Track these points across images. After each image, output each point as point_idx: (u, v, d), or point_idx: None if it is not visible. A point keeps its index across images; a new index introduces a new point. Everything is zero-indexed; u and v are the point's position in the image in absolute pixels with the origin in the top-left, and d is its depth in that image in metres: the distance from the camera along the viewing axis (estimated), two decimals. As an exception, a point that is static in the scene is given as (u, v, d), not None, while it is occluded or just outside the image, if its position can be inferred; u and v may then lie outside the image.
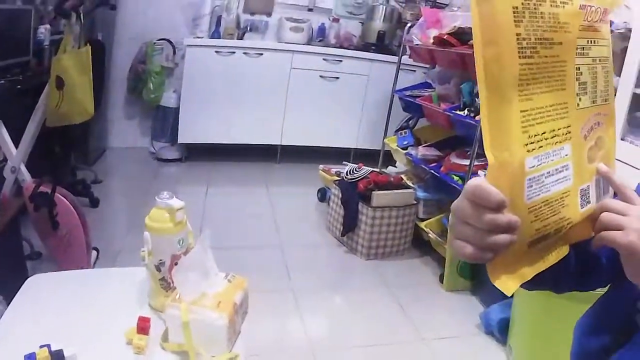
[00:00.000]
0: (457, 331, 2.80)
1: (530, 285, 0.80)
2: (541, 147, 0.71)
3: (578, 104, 0.76)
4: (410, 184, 3.64)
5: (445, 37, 3.47)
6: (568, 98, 0.74)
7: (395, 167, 4.20)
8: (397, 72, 4.14)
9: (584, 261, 0.92)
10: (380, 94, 4.92)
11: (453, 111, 3.38)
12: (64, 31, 2.88)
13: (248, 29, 5.14)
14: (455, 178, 3.24)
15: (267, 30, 5.23)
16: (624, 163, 2.82)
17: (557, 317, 2.32)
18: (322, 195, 4.26)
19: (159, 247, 1.26)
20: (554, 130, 0.72)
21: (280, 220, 3.94)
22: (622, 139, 2.90)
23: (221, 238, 3.48)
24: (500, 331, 2.67)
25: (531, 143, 0.70)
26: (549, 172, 0.73)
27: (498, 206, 0.67)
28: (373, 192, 3.34)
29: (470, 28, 3.45)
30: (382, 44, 5.19)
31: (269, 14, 5.25)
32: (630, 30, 2.92)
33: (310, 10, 5.36)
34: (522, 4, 0.67)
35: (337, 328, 2.81)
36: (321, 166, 4.24)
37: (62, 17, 3.02)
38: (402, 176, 3.76)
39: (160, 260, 1.27)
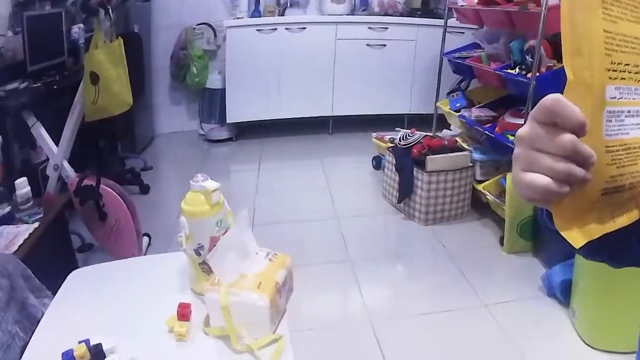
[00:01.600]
0: (519, 294, 2.72)
1: (588, 251, 0.70)
2: (624, 78, 0.62)
3: None
4: (466, 146, 3.55)
5: (489, -4, 3.37)
6: None
7: (450, 130, 4.11)
8: (444, 35, 4.06)
9: None
10: (429, 58, 4.81)
11: (504, 70, 3.29)
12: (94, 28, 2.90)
13: (289, 4, 5.10)
14: (511, 138, 3.15)
15: (308, 4, 5.18)
16: None
17: (621, 277, 2.25)
18: (377, 163, 4.20)
19: (196, 231, 1.23)
20: (638, 66, 0.63)
21: (336, 191, 3.91)
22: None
23: (275, 213, 3.53)
24: (563, 293, 2.58)
25: (614, 71, 0.61)
26: (630, 112, 0.63)
27: (580, 127, 0.56)
28: (427, 156, 3.27)
29: None
30: (427, 9, 5.11)
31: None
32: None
33: (351, -20, 5.27)
34: None
35: (396, 297, 2.77)
36: (374, 134, 4.18)
37: (89, 15, 3.06)
38: (457, 139, 3.68)
39: (199, 244, 1.24)
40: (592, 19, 0.60)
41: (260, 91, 4.82)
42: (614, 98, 0.61)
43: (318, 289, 2.72)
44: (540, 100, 0.58)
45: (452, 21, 4.16)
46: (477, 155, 3.45)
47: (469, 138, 3.72)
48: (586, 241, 0.66)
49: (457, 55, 3.93)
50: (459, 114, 3.68)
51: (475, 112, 3.48)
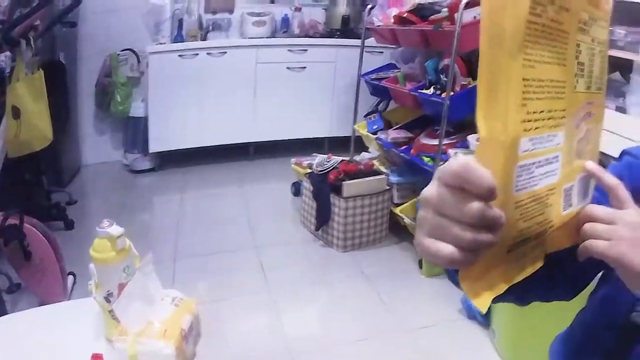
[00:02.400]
0: (440, 318, 2.73)
1: (496, 298, 0.66)
2: (537, 128, 0.60)
3: (575, 87, 0.67)
4: (383, 169, 3.55)
5: (405, 15, 3.37)
6: (567, 77, 0.64)
7: (369, 152, 4.09)
8: (362, 55, 4.05)
9: (555, 270, 0.80)
10: (348, 79, 4.80)
11: (418, 90, 3.29)
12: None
13: (211, 28, 5.03)
14: (426, 159, 3.14)
15: (230, 28, 5.12)
16: (610, 132, 2.76)
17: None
18: (296, 190, 4.15)
19: (105, 278, 1.21)
20: (551, 111, 0.62)
21: (255, 219, 3.86)
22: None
23: (197, 244, 3.47)
24: (483, 315, 2.60)
25: (528, 121, 0.58)
26: (540, 162, 0.62)
27: (489, 193, 0.53)
28: (343, 182, 3.24)
29: (431, 3, 3.33)
30: (347, 29, 5.10)
31: (231, 11, 5.13)
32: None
33: (272, 2, 5.27)
34: None
35: (317, 326, 2.74)
36: (293, 159, 4.14)
37: (10, 46, 2.95)
38: (374, 162, 3.67)
39: (108, 291, 1.22)
40: (513, 65, 0.57)
41: (182, 119, 4.75)
42: (526, 151, 0.59)
43: (239, 322, 2.69)
44: (448, 162, 0.55)
45: (372, 41, 4.16)
46: (394, 178, 3.45)
47: (387, 160, 3.71)
48: (494, 297, 0.63)
49: (373, 76, 3.93)
50: (376, 136, 3.67)
51: (391, 134, 3.47)
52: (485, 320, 2.59)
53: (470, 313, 2.68)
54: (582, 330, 0.92)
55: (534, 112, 0.59)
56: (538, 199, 0.63)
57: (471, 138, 3.02)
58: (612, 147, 1.02)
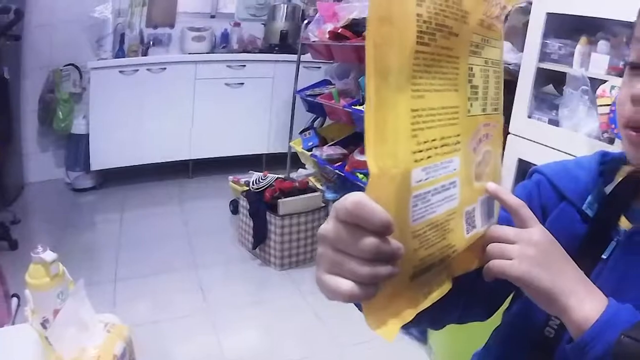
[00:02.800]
0: (376, 334, 2.74)
1: (407, 324, 0.66)
2: (430, 157, 0.60)
3: (469, 110, 0.67)
4: (319, 186, 3.59)
5: (339, 31, 3.41)
6: (460, 101, 0.65)
7: (306, 169, 4.14)
8: (297, 71, 4.09)
9: (466, 292, 0.83)
10: (286, 95, 4.82)
11: (352, 106, 3.34)
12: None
13: (151, 43, 5.01)
14: (360, 176, 3.20)
15: (170, 43, 5.11)
16: (531, 141, 2.79)
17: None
18: (235, 208, 4.16)
19: (40, 304, 1.22)
20: (444, 138, 0.62)
21: (195, 238, 3.87)
22: (529, 117, 2.87)
23: (137, 265, 3.45)
24: (420, 330, 2.63)
25: (420, 152, 0.58)
26: (436, 189, 0.62)
27: (383, 229, 0.53)
28: (279, 200, 3.28)
29: (365, 19, 3.44)
30: (285, 44, 5.11)
31: (172, 26, 5.11)
32: (530, 4, 2.89)
33: (212, 17, 5.26)
34: None
35: (256, 347, 2.77)
36: (231, 177, 4.15)
37: None
38: (310, 179, 3.71)
39: (44, 317, 1.22)
40: (401, 98, 0.56)
41: (123, 136, 4.70)
42: (420, 181, 0.59)
43: (177, 345, 2.70)
44: (343, 198, 0.55)
45: (309, 57, 4.19)
46: (329, 195, 3.50)
47: (323, 177, 3.76)
48: (400, 326, 0.62)
49: (309, 92, 3.97)
50: (311, 153, 3.71)
51: (326, 151, 3.52)
52: (422, 336, 2.62)
53: (408, 329, 2.71)
54: (497, 347, 0.95)
55: (426, 142, 0.59)
56: (438, 226, 0.63)
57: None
58: (545, 160, 1.03)
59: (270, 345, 2.74)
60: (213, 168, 5.13)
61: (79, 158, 4.88)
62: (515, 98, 2.94)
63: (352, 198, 0.54)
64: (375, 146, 0.55)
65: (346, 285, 0.54)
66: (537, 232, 0.71)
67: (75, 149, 4.90)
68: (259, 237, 3.37)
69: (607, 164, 0.84)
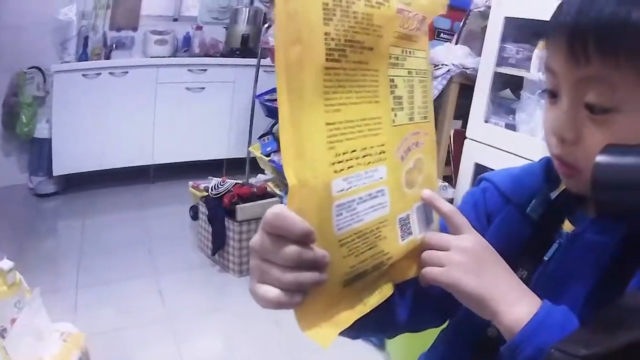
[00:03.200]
0: (336, 341, 2.75)
1: (353, 332, 0.71)
2: (351, 167, 0.62)
3: (394, 120, 0.69)
4: (278, 192, 3.60)
5: (298, 36, 3.41)
6: (382, 112, 0.67)
7: (266, 174, 4.14)
8: (257, 76, 4.07)
9: (415, 299, 0.86)
10: (246, 100, 4.75)
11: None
12: None
13: (114, 46, 4.97)
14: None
15: (133, 46, 5.07)
16: (488, 145, 2.80)
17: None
18: (195, 214, 4.14)
19: None
20: (365, 149, 0.64)
21: (155, 245, 3.87)
22: (486, 121, 2.89)
23: (98, 272, 3.45)
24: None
25: (339, 162, 0.60)
26: (362, 198, 0.64)
27: (303, 237, 0.57)
28: (237, 206, 3.28)
29: None
30: (246, 48, 5.09)
31: (135, 29, 5.08)
32: (489, 8, 2.90)
33: (175, 20, 5.24)
34: (334, 1, 0.59)
35: (215, 353, 2.80)
36: (191, 182, 4.14)
37: None
38: (269, 184, 3.72)
39: (2, 326, 1.22)
40: (314, 114, 0.58)
41: (86, 140, 4.66)
42: (342, 190, 0.61)
43: (137, 353, 2.72)
44: (268, 210, 0.58)
45: (270, 61, 4.17)
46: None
47: (282, 183, 3.76)
48: (337, 334, 0.65)
49: (268, 97, 3.96)
50: (269, 158, 3.71)
51: (284, 156, 3.51)
52: (380, 341, 2.64)
53: (365, 335, 2.72)
54: (443, 347, 0.96)
55: (345, 153, 0.61)
56: (367, 234, 0.65)
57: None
58: (502, 165, 1.05)
59: (228, 353, 2.77)
60: (174, 173, 5.10)
61: (42, 163, 4.82)
62: (472, 103, 2.96)
63: (273, 209, 0.58)
64: (294, 160, 0.58)
65: (273, 292, 0.58)
66: (469, 238, 0.73)
67: (38, 153, 4.84)
68: (218, 243, 3.38)
69: (553, 170, 0.84)
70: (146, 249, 3.80)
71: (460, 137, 3.07)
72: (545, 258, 0.83)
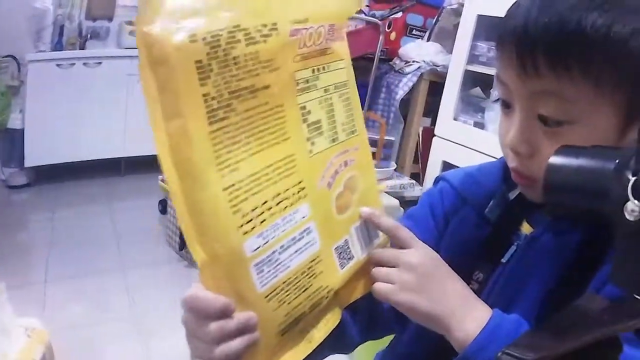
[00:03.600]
0: None
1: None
2: (264, 221, 0.60)
3: (311, 151, 0.66)
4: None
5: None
6: (294, 148, 0.63)
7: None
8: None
9: (368, 312, 0.86)
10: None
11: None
12: None
13: (89, 36, 4.90)
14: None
15: (108, 37, 5.00)
16: (456, 143, 2.80)
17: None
18: (164, 208, 4.10)
19: None
20: (278, 195, 0.61)
21: (124, 239, 3.85)
22: (454, 119, 2.89)
23: (67, 266, 3.43)
24: None
25: (248, 222, 0.58)
26: (283, 246, 0.62)
27: (222, 312, 0.58)
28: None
29: None
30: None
31: (110, 19, 5.00)
32: (462, 5, 2.89)
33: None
34: (208, 54, 0.54)
35: (182, 350, 2.73)
36: (161, 176, 4.05)
37: None
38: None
39: None
40: (208, 185, 0.56)
41: (58, 132, 4.62)
42: (257, 249, 0.59)
43: (103, 349, 2.71)
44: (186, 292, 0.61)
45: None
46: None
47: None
48: None
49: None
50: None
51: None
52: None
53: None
54: (401, 347, 0.95)
55: (254, 209, 0.59)
56: (297, 278, 0.64)
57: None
58: (470, 163, 1.03)
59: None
60: (145, 166, 4.96)
61: (14, 154, 4.76)
62: (442, 100, 2.96)
63: (188, 292, 0.61)
64: (197, 236, 0.57)
65: None
66: (415, 253, 0.72)
67: (11, 144, 4.77)
68: (186, 238, 3.34)
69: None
70: (115, 243, 3.78)
71: (429, 134, 3.07)
72: (503, 260, 0.82)
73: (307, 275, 0.65)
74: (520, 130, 0.72)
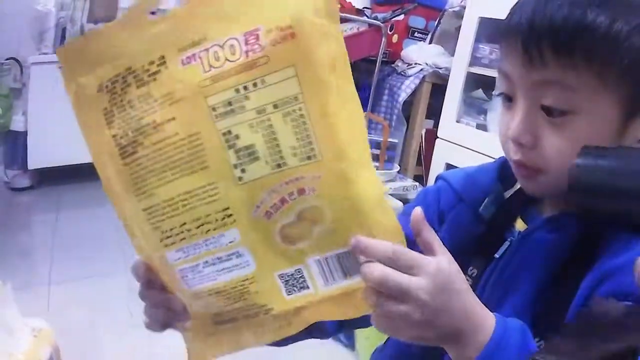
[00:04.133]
0: (306, 342, 2.75)
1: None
2: (183, 239, 0.64)
3: (241, 178, 0.61)
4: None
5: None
6: (216, 176, 0.61)
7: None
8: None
9: None
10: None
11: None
12: None
13: (91, 38, 4.90)
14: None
15: (110, 38, 4.99)
16: (459, 145, 2.81)
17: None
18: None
19: None
20: (199, 219, 0.63)
21: (127, 242, 3.55)
22: (457, 121, 2.89)
23: (71, 268, 3.44)
24: (347, 336, 2.63)
25: (168, 237, 0.65)
26: (207, 262, 0.66)
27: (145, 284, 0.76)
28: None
29: None
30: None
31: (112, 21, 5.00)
32: (464, 7, 2.90)
33: (153, 13, 5.12)
34: (110, 101, 0.61)
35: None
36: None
37: None
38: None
39: None
40: (131, 203, 0.65)
41: (61, 134, 4.54)
42: (178, 259, 0.66)
43: (106, 350, 2.74)
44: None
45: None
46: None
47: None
48: (218, 353, 0.76)
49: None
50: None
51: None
52: (349, 341, 2.62)
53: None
54: (394, 343, 0.96)
55: (172, 229, 0.64)
56: (227, 290, 0.68)
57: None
58: (472, 164, 1.03)
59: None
60: None
61: (17, 156, 4.78)
62: (444, 102, 2.97)
63: (134, 264, 0.75)
64: (132, 238, 0.73)
65: (144, 320, 0.80)
66: (426, 283, 0.62)
67: (14, 146, 4.80)
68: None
69: (508, 170, 0.85)
70: (118, 245, 3.75)
71: (431, 136, 3.08)
72: (496, 256, 0.84)
73: (238, 291, 0.68)
74: (524, 120, 0.74)
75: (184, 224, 0.63)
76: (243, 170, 0.61)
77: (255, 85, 0.58)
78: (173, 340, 2.55)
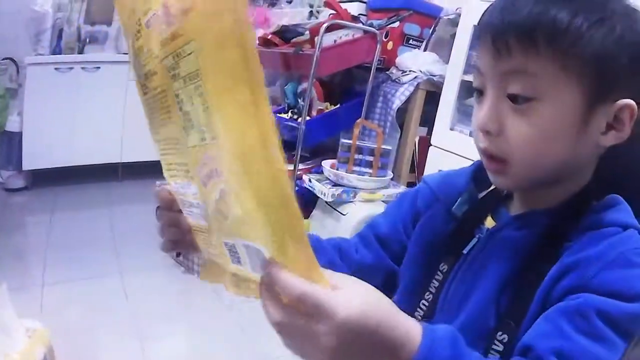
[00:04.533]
0: None
1: None
2: (174, 176, 0.75)
3: (187, 142, 0.62)
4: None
5: (269, 37, 3.41)
6: (178, 133, 0.64)
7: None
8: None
9: None
10: (218, 100, 4.76)
11: (276, 114, 3.34)
12: None
13: (87, 41, 4.92)
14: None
15: (106, 41, 5.01)
16: (452, 153, 2.82)
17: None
18: (161, 214, 4.11)
19: None
20: (178, 164, 0.71)
21: (121, 244, 3.86)
22: (451, 129, 2.91)
23: (64, 270, 3.42)
24: None
25: (169, 170, 0.77)
26: (184, 202, 0.77)
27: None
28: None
29: (294, 26, 3.35)
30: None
31: (109, 24, 5.01)
32: (459, 15, 2.91)
33: (150, 15, 5.17)
34: (133, 44, 0.70)
35: (180, 353, 2.81)
36: (159, 182, 4.08)
37: None
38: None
39: None
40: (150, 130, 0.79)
41: (56, 135, 4.64)
42: (177, 191, 0.78)
43: (100, 354, 2.71)
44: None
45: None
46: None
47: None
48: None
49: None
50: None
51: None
52: None
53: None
54: None
55: (170, 164, 0.75)
56: (198, 232, 0.77)
57: (325, 163, 3.10)
58: None
59: (193, 353, 2.77)
60: (143, 172, 4.93)
61: (12, 157, 4.77)
62: (438, 110, 2.99)
63: (158, 188, 0.85)
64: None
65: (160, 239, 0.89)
66: (329, 332, 0.56)
67: (8, 147, 4.79)
68: (183, 244, 3.36)
69: (482, 172, 0.88)
70: (112, 247, 3.79)
71: (425, 144, 3.09)
72: (465, 251, 0.88)
73: (204, 236, 0.75)
74: (490, 108, 0.78)
75: (172, 163, 0.74)
76: (188, 135, 0.61)
77: (178, 55, 0.56)
78: (166, 342, 2.58)
